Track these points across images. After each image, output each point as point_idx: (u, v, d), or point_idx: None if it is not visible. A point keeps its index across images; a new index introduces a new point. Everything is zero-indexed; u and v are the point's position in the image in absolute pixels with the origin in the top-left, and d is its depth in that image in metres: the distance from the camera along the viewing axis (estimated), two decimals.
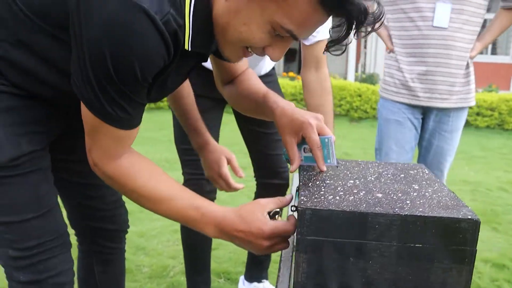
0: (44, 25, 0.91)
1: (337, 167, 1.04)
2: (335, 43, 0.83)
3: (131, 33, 0.75)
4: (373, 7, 0.81)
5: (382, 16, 0.82)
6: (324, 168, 0.99)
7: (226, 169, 1.40)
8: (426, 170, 1.06)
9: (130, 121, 0.90)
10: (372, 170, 1.03)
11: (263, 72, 1.69)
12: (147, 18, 0.75)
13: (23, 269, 1.07)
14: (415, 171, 1.05)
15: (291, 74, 10.08)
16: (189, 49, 0.86)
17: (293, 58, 17.28)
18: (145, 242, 2.63)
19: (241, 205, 0.93)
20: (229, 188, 1.42)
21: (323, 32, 1.48)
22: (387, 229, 0.75)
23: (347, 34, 0.81)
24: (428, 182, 0.95)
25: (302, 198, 0.81)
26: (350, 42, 0.84)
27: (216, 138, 1.70)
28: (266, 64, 1.71)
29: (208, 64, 1.55)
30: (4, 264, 1.10)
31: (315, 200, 0.80)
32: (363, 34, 0.82)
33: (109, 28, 0.75)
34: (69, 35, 0.85)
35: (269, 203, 0.92)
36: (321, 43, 1.51)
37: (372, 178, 0.96)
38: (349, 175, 0.99)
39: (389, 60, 2.05)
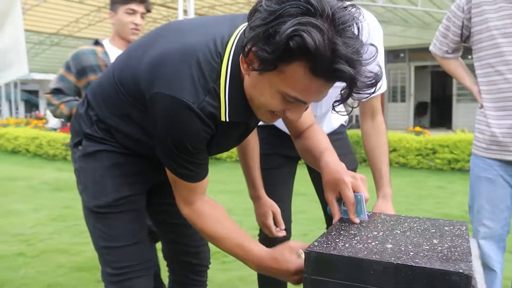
0: (136, 102, 1.21)
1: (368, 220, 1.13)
2: (339, 103, 0.99)
3: (179, 120, 1.05)
4: (375, 69, 0.94)
5: (380, 80, 0.96)
6: (357, 221, 1.09)
7: (271, 221, 1.67)
8: (464, 227, 1.08)
9: (196, 176, 1.19)
10: (406, 224, 1.09)
11: (329, 129, 1.82)
12: (187, 108, 1.03)
13: (115, 284, 1.39)
14: (452, 227, 1.08)
15: (417, 129, 9.77)
16: (227, 120, 1.09)
17: (425, 112, 16.67)
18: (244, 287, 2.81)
19: (275, 247, 1.12)
20: (271, 235, 1.68)
21: (380, 86, 1.58)
22: (382, 275, 0.83)
23: (349, 95, 0.95)
24: (453, 238, 0.99)
25: (315, 242, 0.92)
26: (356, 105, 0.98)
27: (289, 193, 1.91)
28: (333, 121, 1.83)
29: (279, 124, 1.75)
30: (103, 279, 1.42)
31: (325, 245, 0.91)
32: (366, 96, 0.96)
33: (167, 118, 1.07)
34: None
35: (297, 244, 1.10)
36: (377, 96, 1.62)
37: (399, 232, 1.03)
38: (379, 227, 1.07)
39: (479, 116, 2.02)
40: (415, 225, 1.09)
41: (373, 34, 1.54)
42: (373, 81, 0.93)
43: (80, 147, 1.39)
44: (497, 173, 1.93)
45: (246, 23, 1.00)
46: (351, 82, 0.91)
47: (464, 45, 2.09)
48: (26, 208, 5.06)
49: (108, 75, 1.31)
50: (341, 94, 0.98)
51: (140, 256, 1.41)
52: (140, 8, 2.36)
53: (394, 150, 8.40)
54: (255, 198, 1.69)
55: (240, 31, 1.09)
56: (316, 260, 0.88)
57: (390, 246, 0.91)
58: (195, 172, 1.18)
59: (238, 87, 1.06)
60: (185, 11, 9.22)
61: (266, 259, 1.12)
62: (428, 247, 0.91)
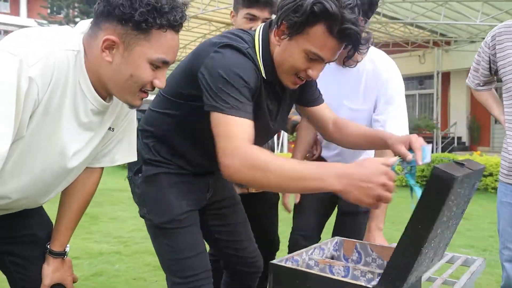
0: (186, 99, 1.46)
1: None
2: (348, 58, 1.41)
3: (235, 58, 1.31)
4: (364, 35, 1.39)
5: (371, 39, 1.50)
6: (420, 162, 1.29)
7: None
8: None
9: (244, 109, 1.25)
10: None
11: None
12: (242, 51, 1.33)
13: None
14: None
15: None
16: (265, 77, 1.38)
17: None
18: None
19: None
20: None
21: None
22: None
23: (354, 51, 1.35)
24: None
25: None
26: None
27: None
28: None
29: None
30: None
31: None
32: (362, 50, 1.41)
33: (224, 60, 1.30)
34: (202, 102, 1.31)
35: (380, 159, 1.16)
36: None
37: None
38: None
39: (505, 144, 2.11)
40: None
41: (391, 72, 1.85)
42: (366, 42, 1.43)
43: (140, 174, 1.59)
44: None
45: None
46: (356, 39, 1.28)
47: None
48: (128, 215, 5.77)
49: (155, 100, 1.62)
50: (348, 52, 1.37)
51: (203, 265, 1.58)
52: (262, 14, 2.00)
53: (491, 175, 8.03)
54: None
55: (262, 25, 1.46)
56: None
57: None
58: (242, 103, 1.25)
59: (268, 56, 1.37)
60: None
61: (351, 167, 1.12)
62: None
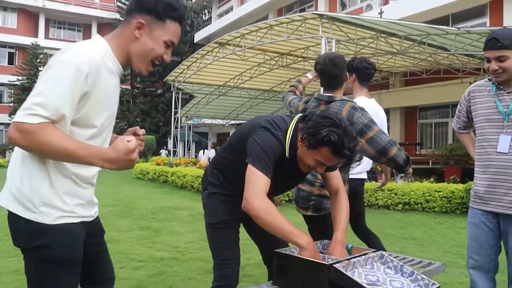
0: (236, 157, 2.22)
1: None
2: (343, 166, 2.16)
3: (270, 138, 2.01)
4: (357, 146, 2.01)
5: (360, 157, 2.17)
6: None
7: None
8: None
9: (267, 171, 1.95)
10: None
11: None
12: (275, 136, 2.03)
13: (219, 270, 2.34)
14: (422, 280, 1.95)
15: None
16: (288, 156, 2.07)
17: None
18: None
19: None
20: None
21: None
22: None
23: (346, 164, 2.15)
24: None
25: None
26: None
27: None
28: None
29: None
30: (214, 268, 2.37)
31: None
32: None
33: (264, 135, 2.02)
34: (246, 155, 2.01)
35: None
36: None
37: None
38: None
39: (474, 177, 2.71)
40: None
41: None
42: (357, 162, 2.10)
43: (206, 191, 2.40)
44: (479, 219, 2.61)
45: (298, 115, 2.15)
46: (349, 158, 2.00)
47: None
48: (184, 230, 6.62)
49: (222, 149, 2.39)
50: (341, 164, 2.10)
51: (233, 254, 2.35)
52: None
53: None
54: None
55: (296, 118, 2.15)
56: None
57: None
58: (268, 167, 1.95)
59: (294, 146, 2.08)
60: None
61: (308, 241, 1.91)
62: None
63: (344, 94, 2.94)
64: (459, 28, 10.94)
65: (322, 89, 3.20)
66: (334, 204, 2.27)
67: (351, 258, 1.89)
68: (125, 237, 5.94)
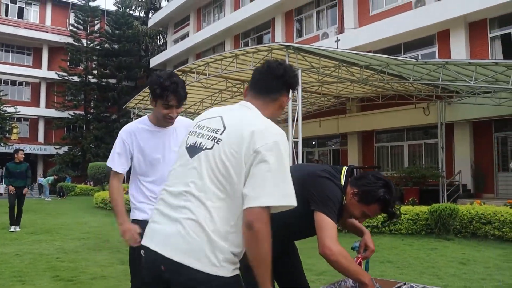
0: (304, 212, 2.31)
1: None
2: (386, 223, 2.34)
3: (335, 189, 2.22)
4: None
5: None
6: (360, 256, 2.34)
7: None
8: None
9: (336, 219, 2.18)
10: None
11: None
12: (338, 187, 2.23)
13: None
14: None
15: None
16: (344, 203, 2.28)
17: None
18: None
19: None
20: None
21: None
22: None
23: (390, 218, 2.24)
24: None
25: None
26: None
27: None
28: None
29: None
30: None
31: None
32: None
33: (331, 187, 2.22)
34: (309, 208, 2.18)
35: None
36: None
37: None
38: None
39: None
40: None
41: None
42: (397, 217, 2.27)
43: None
44: None
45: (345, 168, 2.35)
46: (391, 215, 2.23)
47: None
48: None
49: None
50: (385, 217, 2.29)
51: None
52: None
53: (489, 222, 8.75)
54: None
55: (345, 170, 2.35)
56: None
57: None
58: (335, 215, 2.16)
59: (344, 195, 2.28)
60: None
61: (370, 278, 2.11)
62: None
63: None
64: (417, 59, 11.64)
65: None
66: (349, 223, 2.59)
67: None
68: (109, 273, 5.83)
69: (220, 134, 1.73)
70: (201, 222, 1.63)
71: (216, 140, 1.71)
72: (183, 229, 1.64)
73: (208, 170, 1.68)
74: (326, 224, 2.12)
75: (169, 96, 2.73)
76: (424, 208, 9.58)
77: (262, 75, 1.88)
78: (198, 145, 1.76)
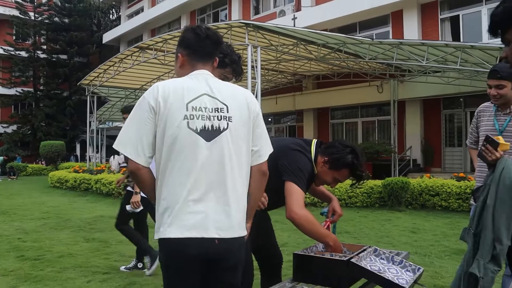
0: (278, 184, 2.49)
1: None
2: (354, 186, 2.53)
3: (305, 160, 2.46)
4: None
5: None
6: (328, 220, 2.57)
7: None
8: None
9: (304, 187, 2.39)
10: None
11: None
12: (308, 159, 2.47)
13: None
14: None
15: (461, 174, 10.56)
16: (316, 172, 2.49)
17: None
18: None
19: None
20: None
21: None
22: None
23: (358, 180, 2.47)
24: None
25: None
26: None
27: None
28: None
29: None
30: None
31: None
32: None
33: (300, 159, 2.45)
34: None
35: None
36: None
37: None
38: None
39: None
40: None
41: None
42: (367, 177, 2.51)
43: None
44: None
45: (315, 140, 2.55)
46: (360, 177, 2.43)
47: None
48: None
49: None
50: (353, 180, 2.51)
51: None
52: None
53: (437, 194, 9.34)
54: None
55: (314, 143, 2.56)
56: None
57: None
58: (304, 184, 2.39)
59: (314, 164, 2.49)
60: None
61: (335, 239, 2.39)
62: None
63: None
64: (372, 39, 12.00)
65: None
66: (318, 191, 2.89)
67: (358, 254, 2.30)
68: (76, 251, 5.86)
69: (227, 112, 1.85)
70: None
71: (228, 119, 1.84)
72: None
73: (231, 149, 1.84)
74: (294, 191, 2.33)
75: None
76: (378, 182, 10.07)
77: (203, 43, 1.92)
78: (212, 128, 1.82)
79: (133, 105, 2.04)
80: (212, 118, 1.82)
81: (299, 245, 5.74)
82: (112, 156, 25.30)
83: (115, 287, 4.30)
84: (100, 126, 24.01)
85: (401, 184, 9.37)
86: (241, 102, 1.89)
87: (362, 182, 2.57)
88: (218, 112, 1.84)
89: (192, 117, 1.79)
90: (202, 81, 1.88)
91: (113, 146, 1.87)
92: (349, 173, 2.46)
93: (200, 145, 1.78)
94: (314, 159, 2.49)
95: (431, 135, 16.48)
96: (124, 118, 4.60)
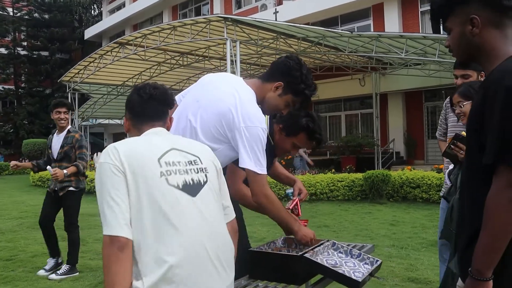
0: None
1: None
2: (315, 148, 2.52)
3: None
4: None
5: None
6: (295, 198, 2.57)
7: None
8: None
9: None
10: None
11: None
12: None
13: None
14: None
15: (441, 166, 10.64)
16: (272, 144, 2.44)
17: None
18: None
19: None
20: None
21: None
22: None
23: (318, 145, 2.49)
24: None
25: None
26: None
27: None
28: None
29: None
30: None
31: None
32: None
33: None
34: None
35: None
36: None
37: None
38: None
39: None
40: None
41: None
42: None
43: None
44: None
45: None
46: (319, 141, 2.42)
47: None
48: (99, 236, 6.57)
49: None
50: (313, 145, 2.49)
51: None
52: None
53: (418, 186, 9.39)
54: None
55: (267, 117, 2.47)
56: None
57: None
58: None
59: (272, 136, 2.45)
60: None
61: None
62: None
63: None
64: (351, 32, 12.01)
65: None
66: (282, 176, 2.88)
67: (314, 248, 2.27)
68: None
69: (201, 163, 1.69)
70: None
71: (205, 170, 1.69)
72: None
73: (216, 201, 1.68)
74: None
75: None
76: (359, 175, 10.10)
77: (146, 104, 1.75)
78: (192, 182, 1.63)
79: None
80: (189, 171, 1.63)
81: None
82: (96, 154, 25.24)
83: (87, 285, 4.24)
84: (83, 123, 23.76)
85: (382, 177, 9.40)
86: (209, 155, 1.77)
87: (322, 145, 2.61)
88: (192, 164, 1.66)
89: (169, 172, 1.57)
90: (163, 135, 1.72)
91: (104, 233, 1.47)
92: (307, 136, 2.43)
93: (187, 201, 1.57)
94: (270, 130, 2.45)
95: (413, 128, 16.59)
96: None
